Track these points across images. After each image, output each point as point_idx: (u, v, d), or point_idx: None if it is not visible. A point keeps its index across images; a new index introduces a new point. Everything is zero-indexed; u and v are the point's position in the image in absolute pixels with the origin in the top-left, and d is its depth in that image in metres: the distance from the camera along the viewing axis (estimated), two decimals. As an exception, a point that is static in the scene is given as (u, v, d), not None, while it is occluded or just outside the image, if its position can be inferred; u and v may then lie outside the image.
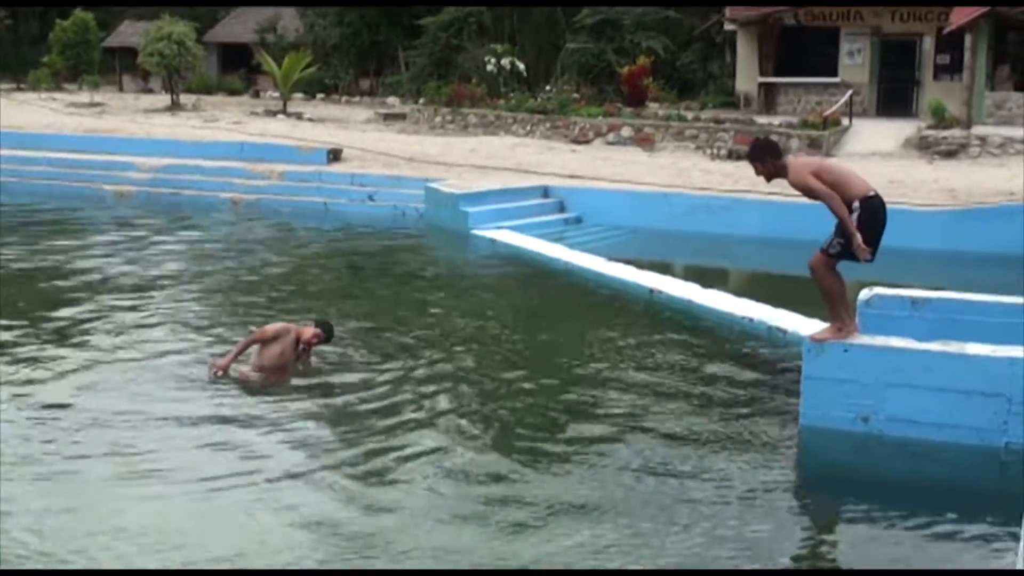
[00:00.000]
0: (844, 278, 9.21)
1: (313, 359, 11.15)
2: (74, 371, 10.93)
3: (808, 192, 8.81)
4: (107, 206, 23.91)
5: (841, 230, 8.82)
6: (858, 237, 8.70)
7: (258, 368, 10.63)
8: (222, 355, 10.98)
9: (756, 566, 7.23)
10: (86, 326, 12.73)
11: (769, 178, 9.16)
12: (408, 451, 8.88)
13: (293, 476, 8.36)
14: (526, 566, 7.08)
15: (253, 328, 11.62)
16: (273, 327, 10.78)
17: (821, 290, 9.14)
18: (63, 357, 11.40)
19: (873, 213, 8.85)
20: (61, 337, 12.24)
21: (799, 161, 9.14)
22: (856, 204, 8.80)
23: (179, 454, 8.75)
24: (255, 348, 10.76)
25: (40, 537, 7.24)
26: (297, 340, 10.73)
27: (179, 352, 11.68)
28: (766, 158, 9.06)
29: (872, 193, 8.93)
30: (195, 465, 8.52)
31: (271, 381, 10.52)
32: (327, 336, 10.94)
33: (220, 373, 10.55)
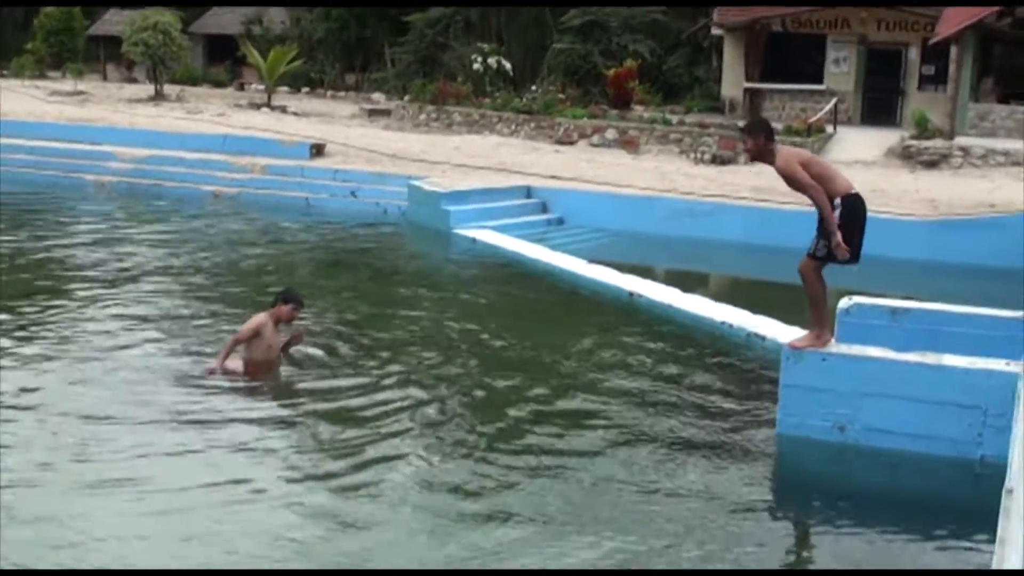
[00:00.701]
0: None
1: (296, 353, 11.17)
2: (41, 365, 10.88)
3: (793, 181, 8.81)
4: (87, 196, 23.80)
5: (824, 231, 8.82)
6: (838, 235, 8.68)
7: (248, 363, 10.63)
8: (202, 353, 11.05)
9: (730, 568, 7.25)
10: (57, 317, 12.72)
11: (755, 158, 9.16)
12: (383, 457, 8.83)
13: (262, 486, 8.27)
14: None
15: (226, 329, 11.68)
16: (250, 325, 10.70)
17: (808, 295, 9.14)
18: (31, 350, 11.32)
19: (853, 210, 8.83)
20: (31, 328, 12.18)
21: (788, 150, 9.11)
22: (837, 201, 8.79)
23: (150, 459, 8.64)
24: (242, 346, 10.69)
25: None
26: (276, 323, 10.72)
27: (152, 347, 11.63)
28: (760, 136, 8.99)
29: (854, 191, 8.93)
30: (167, 471, 8.43)
31: (263, 374, 10.56)
32: (298, 304, 10.92)
33: (214, 375, 10.48)
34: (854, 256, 8.88)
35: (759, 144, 8.97)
